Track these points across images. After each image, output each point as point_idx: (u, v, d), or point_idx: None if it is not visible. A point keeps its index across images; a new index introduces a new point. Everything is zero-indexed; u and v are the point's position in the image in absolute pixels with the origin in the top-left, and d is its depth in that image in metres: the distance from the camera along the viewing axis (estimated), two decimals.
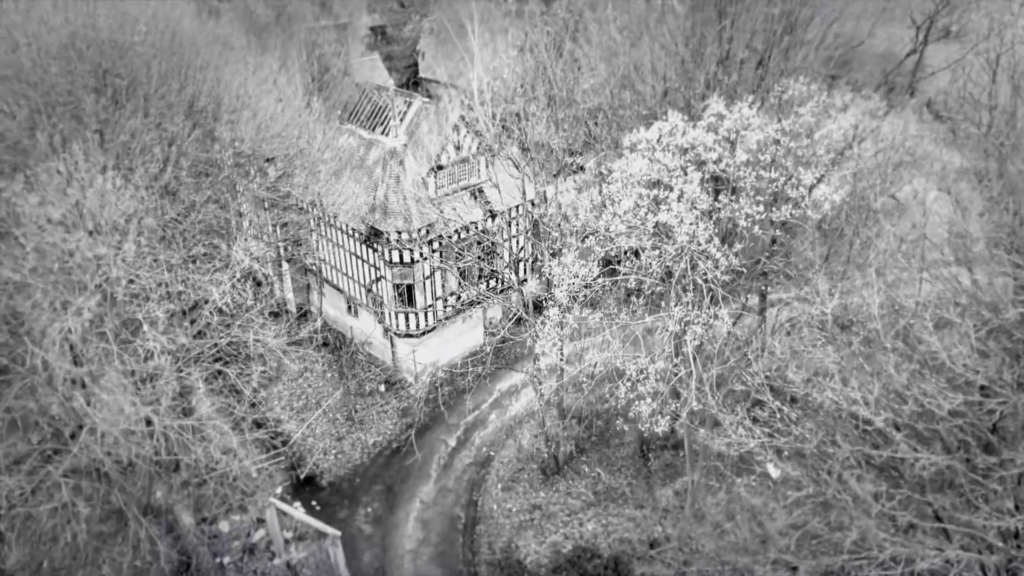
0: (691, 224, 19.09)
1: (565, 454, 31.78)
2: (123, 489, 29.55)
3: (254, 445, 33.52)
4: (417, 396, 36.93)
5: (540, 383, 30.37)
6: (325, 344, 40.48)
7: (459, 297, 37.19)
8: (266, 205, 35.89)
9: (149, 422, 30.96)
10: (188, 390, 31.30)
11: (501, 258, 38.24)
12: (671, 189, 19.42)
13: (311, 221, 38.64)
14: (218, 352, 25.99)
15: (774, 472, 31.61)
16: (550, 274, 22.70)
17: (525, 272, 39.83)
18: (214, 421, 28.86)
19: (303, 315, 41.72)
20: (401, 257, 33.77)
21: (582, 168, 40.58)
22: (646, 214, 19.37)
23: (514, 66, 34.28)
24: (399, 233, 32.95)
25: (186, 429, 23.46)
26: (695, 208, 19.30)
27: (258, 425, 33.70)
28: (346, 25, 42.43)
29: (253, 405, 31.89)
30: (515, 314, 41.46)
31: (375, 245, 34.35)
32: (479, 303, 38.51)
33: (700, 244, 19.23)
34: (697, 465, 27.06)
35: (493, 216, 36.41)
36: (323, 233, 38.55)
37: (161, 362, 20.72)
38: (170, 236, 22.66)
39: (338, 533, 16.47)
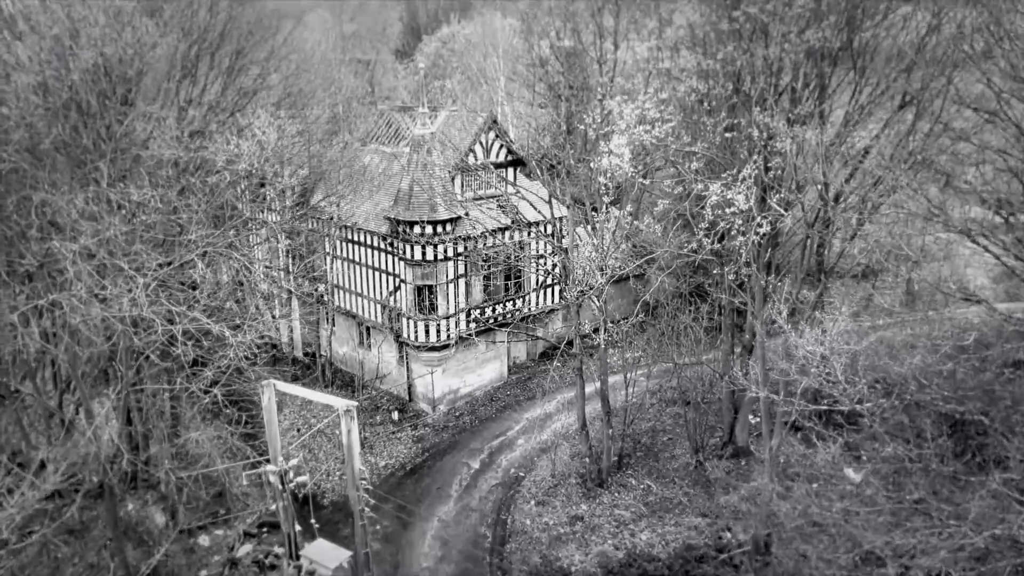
0: None
1: (609, 465, 27.27)
2: (88, 508, 25.19)
3: (240, 454, 29.21)
4: (434, 424, 32.67)
5: (582, 372, 26.62)
6: (333, 383, 36.63)
7: (483, 312, 33.89)
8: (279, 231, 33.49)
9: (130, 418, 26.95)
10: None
11: (530, 274, 35.31)
12: None
13: (325, 244, 36.09)
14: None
15: (855, 476, 26.97)
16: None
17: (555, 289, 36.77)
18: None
19: (311, 356, 38.15)
20: (424, 254, 30.95)
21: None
22: None
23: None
24: (423, 225, 30.35)
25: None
26: None
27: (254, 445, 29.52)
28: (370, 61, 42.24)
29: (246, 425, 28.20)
30: (542, 350, 37.90)
31: (395, 245, 31.64)
32: (504, 325, 35.08)
33: None
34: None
35: (521, 228, 33.93)
36: (337, 253, 35.90)
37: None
38: None
39: (355, 404, 12.86)
